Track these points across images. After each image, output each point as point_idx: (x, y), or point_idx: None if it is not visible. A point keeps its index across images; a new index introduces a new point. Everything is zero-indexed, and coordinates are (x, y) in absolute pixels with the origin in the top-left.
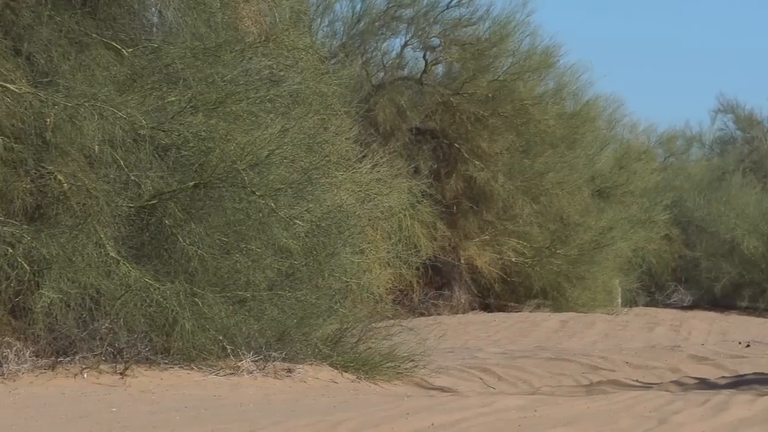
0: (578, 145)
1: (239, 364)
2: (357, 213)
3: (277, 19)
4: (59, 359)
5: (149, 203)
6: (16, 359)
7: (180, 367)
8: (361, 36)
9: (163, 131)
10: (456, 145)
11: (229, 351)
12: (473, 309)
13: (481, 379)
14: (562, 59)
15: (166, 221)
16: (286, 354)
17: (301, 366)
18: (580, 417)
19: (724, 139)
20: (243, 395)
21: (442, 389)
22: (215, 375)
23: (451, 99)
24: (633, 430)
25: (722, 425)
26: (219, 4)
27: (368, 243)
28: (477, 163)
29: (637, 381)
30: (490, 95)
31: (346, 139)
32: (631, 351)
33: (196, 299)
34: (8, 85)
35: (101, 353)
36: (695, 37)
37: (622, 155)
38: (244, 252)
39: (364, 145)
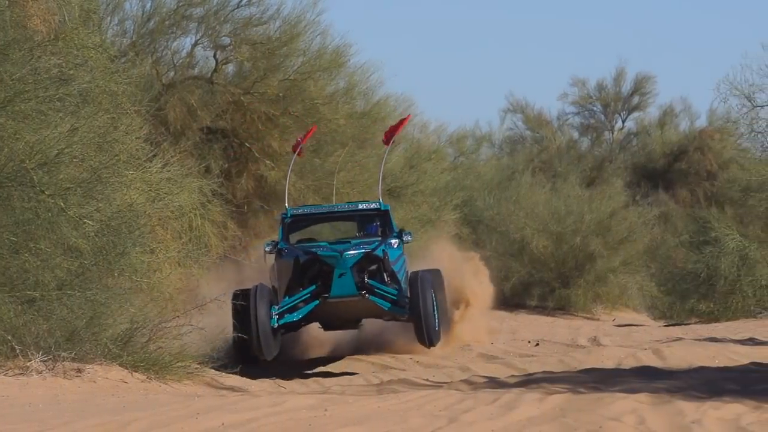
0: (369, 145)
1: (28, 364)
2: (147, 212)
3: (67, 18)
4: None
5: None
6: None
7: None
8: (152, 35)
9: None
10: (247, 144)
11: (17, 351)
12: None
13: (271, 377)
14: (352, 59)
15: None
16: (75, 354)
17: (90, 366)
18: (370, 416)
19: (514, 139)
20: (32, 395)
21: (232, 389)
22: (4, 375)
23: (242, 98)
24: (423, 428)
25: (511, 424)
26: (7, 2)
27: (158, 242)
28: (268, 162)
29: (427, 380)
30: (280, 94)
31: (136, 138)
32: (422, 350)
33: None
34: None
35: None
36: (485, 37)
37: (413, 155)
38: (33, 251)
39: (154, 144)
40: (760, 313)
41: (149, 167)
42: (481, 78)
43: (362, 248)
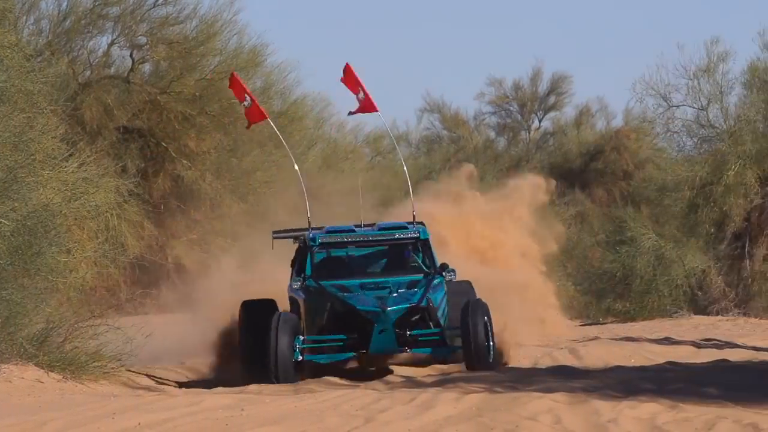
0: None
1: None
2: (63, 212)
3: None
4: None
5: None
6: None
7: None
8: (68, 34)
9: None
10: (163, 144)
11: None
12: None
13: (188, 378)
14: (269, 58)
15: None
16: None
17: (6, 366)
18: (287, 416)
19: (431, 139)
20: None
21: (149, 388)
22: None
23: (159, 98)
24: (340, 428)
25: (428, 423)
26: None
27: (75, 242)
28: (185, 161)
29: (344, 379)
30: (197, 94)
31: (52, 137)
32: None
33: None
34: None
35: None
36: (401, 36)
37: (330, 154)
38: None
39: (70, 143)
40: (676, 312)
41: (65, 167)
42: (398, 77)
43: (405, 300)
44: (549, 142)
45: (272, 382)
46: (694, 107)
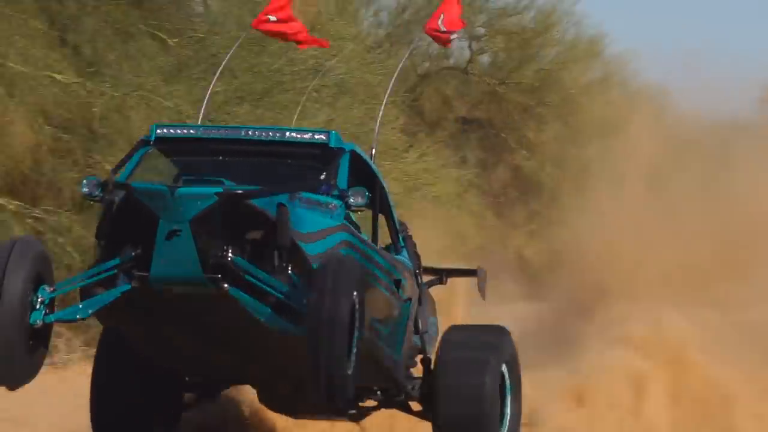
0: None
1: None
2: (405, 202)
3: (323, 9)
4: None
5: None
6: (66, 348)
7: None
8: (407, 26)
9: (210, 120)
10: (503, 134)
11: None
12: None
13: None
14: (607, 49)
15: None
16: None
17: None
18: None
19: None
20: None
21: None
22: None
23: (497, 89)
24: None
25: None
26: None
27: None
28: (524, 152)
29: None
30: (536, 84)
31: (392, 128)
32: None
33: None
34: (56, 75)
35: None
36: (741, 28)
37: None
38: None
39: (410, 134)
40: None
41: (406, 158)
42: (737, 69)
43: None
44: None
45: None
46: None
